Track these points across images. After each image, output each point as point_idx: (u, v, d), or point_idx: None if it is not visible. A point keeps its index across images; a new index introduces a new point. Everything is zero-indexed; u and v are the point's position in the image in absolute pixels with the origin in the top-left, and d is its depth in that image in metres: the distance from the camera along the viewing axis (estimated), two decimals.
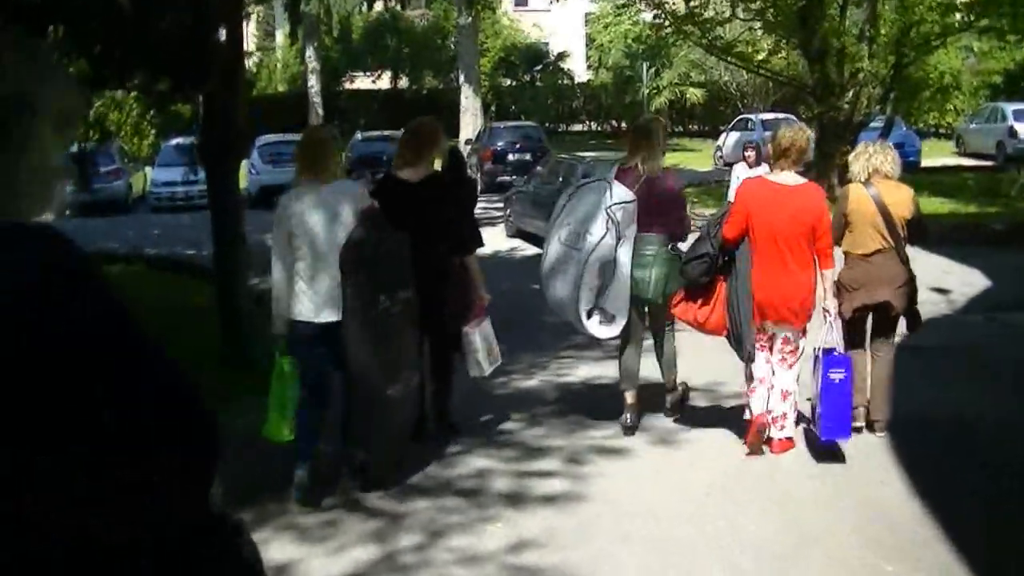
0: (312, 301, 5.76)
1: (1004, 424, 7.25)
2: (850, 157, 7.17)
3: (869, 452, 6.73)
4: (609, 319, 6.90)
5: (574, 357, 9.71)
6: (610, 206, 6.72)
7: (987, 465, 6.48)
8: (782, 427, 6.66)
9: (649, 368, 7.48)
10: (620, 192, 6.78)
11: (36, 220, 1.51)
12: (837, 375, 6.31)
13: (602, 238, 6.68)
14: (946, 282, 13.01)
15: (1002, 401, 7.82)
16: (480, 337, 6.87)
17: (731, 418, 7.44)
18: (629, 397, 7.19)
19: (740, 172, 13.85)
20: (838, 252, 6.85)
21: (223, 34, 9.48)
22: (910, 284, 6.87)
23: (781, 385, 6.63)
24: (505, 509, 5.90)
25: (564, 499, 6.05)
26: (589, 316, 6.86)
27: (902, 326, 7.17)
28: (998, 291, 12.76)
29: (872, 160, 6.84)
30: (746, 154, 14.01)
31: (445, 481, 6.39)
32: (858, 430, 6.81)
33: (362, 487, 6.16)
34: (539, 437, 7.23)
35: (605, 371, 9.00)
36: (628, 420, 7.16)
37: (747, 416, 6.78)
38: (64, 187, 1.62)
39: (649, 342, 7.44)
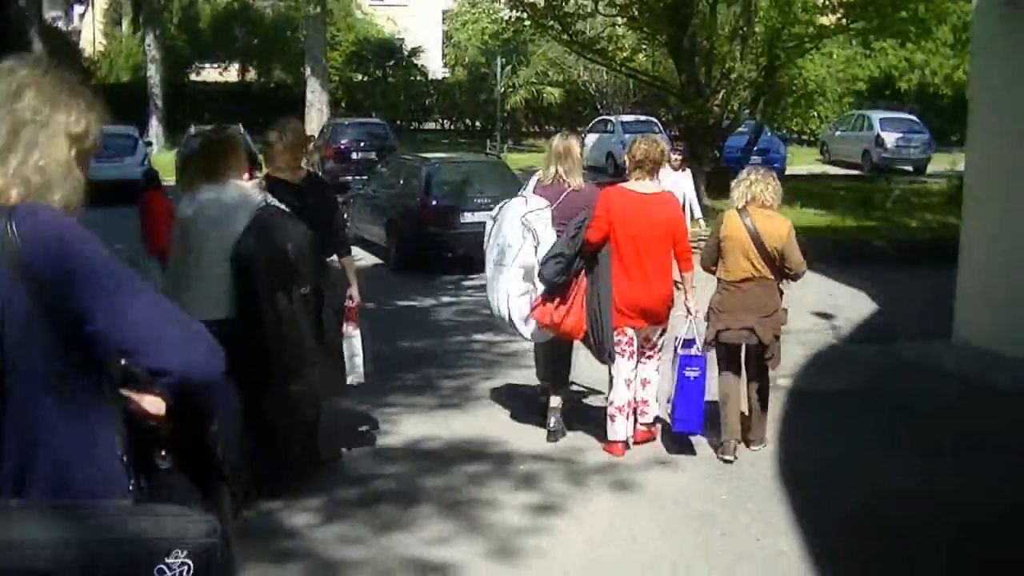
0: (204, 299, 5.61)
1: (918, 497, 6.01)
2: (732, 183, 7.07)
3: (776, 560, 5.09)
4: None
5: (401, 406, 7.88)
6: (525, 215, 6.80)
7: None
8: (643, 413, 6.86)
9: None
10: (534, 201, 6.92)
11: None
12: (692, 373, 6.57)
13: (521, 247, 6.75)
14: (831, 305, 11.99)
15: (914, 465, 6.62)
16: (361, 339, 6.56)
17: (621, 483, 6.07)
18: (554, 401, 7.13)
19: (663, 176, 12.24)
20: (712, 278, 6.95)
21: None
22: (778, 315, 6.72)
23: (643, 375, 6.86)
24: None
25: None
26: (526, 322, 6.84)
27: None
28: (886, 316, 11.67)
29: (752, 188, 6.74)
30: (673, 156, 12.31)
31: None
32: (728, 462, 6.61)
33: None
34: (338, 542, 5.31)
35: (435, 430, 7.25)
36: (552, 424, 7.08)
37: (611, 436, 6.75)
38: (74, 184, 2.20)
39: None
